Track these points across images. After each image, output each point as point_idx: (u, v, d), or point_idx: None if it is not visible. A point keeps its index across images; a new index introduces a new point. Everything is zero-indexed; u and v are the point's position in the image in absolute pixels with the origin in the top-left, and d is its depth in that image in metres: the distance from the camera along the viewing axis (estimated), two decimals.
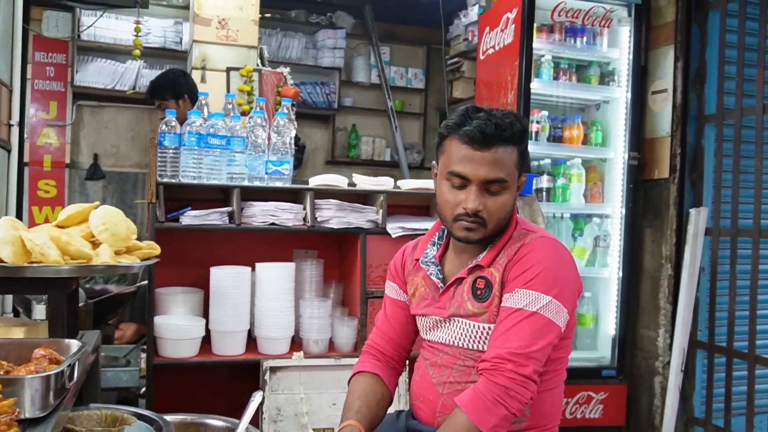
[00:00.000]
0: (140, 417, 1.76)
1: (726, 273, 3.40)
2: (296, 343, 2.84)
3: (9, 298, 3.68)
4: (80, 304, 3.34)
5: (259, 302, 2.76)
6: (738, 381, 3.33)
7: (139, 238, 2.15)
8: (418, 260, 1.85)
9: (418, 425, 1.81)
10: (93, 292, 3.59)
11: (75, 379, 1.48)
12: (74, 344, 1.61)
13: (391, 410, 1.88)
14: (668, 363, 3.54)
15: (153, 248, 2.19)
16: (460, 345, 1.72)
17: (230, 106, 2.86)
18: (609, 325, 3.81)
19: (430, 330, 1.81)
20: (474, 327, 1.70)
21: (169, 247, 2.54)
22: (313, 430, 2.63)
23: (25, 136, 4.30)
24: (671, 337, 3.54)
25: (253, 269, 2.80)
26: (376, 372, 1.84)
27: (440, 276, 1.79)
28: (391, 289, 1.93)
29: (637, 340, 3.80)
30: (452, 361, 1.74)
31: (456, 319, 1.73)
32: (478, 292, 1.71)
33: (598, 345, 3.87)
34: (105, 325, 3.55)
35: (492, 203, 1.67)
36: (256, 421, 2.53)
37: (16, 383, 1.24)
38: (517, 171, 1.71)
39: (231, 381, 2.76)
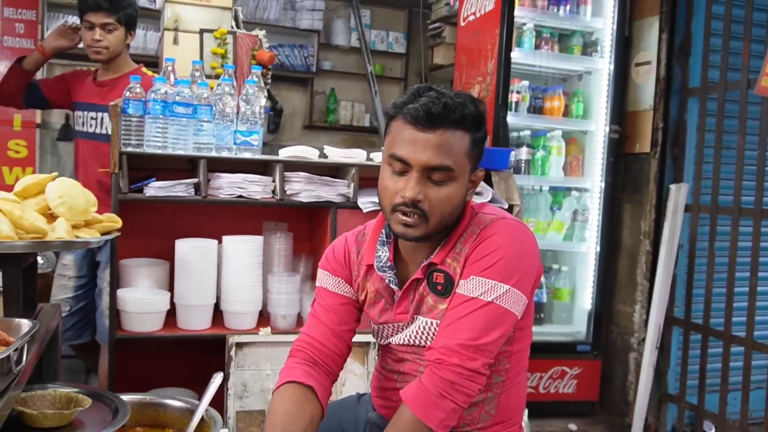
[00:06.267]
0: (96, 397, 1.70)
1: (704, 250, 3.37)
2: (263, 318, 2.78)
3: None
4: (48, 270, 3.25)
5: (225, 276, 2.69)
6: (713, 358, 3.32)
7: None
8: (370, 266, 1.64)
9: (382, 421, 1.68)
10: None
11: (24, 362, 1.41)
12: (25, 325, 1.54)
13: (352, 392, 1.77)
14: (644, 339, 3.52)
15: (114, 221, 2.10)
16: (424, 345, 1.57)
17: (197, 73, 2.76)
18: (585, 299, 3.78)
19: (390, 336, 1.65)
20: (438, 325, 1.54)
21: (134, 219, 2.47)
22: None
23: None
24: (647, 313, 3.52)
25: (221, 242, 2.72)
26: (310, 383, 1.56)
27: (396, 280, 1.62)
28: (331, 282, 1.70)
29: (613, 316, 3.77)
30: (416, 364, 1.60)
31: (419, 318, 1.58)
32: (438, 287, 1.55)
33: (574, 319, 3.85)
34: None
35: (435, 194, 1.48)
36: (221, 396, 2.48)
37: None
38: (469, 162, 1.51)
39: (196, 356, 2.70)
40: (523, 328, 1.61)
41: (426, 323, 1.57)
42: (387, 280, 1.61)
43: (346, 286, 1.69)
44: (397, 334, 1.63)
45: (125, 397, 1.75)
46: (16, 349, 1.34)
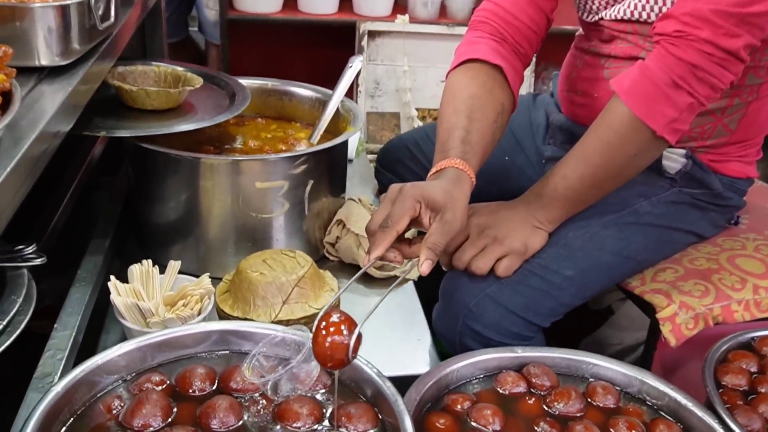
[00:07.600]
0: (209, 78, 1.38)
1: None
2: (400, 6, 2.39)
3: None
4: None
5: None
6: None
7: None
8: None
9: (570, 124, 1.28)
10: None
11: (112, 19, 1.05)
12: None
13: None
14: None
15: None
16: (653, 21, 1.08)
17: None
18: None
19: (602, 8, 1.18)
20: None
21: None
22: (417, 109, 2.23)
23: None
24: None
25: None
26: (498, 63, 1.12)
27: None
28: None
29: None
30: (637, 47, 1.14)
31: None
32: None
33: None
34: None
35: None
36: (350, 94, 2.16)
37: (24, 16, 0.86)
38: None
39: (320, 47, 2.36)
40: None
41: None
42: None
43: None
44: (614, 4, 1.14)
45: (244, 81, 1.41)
46: None
